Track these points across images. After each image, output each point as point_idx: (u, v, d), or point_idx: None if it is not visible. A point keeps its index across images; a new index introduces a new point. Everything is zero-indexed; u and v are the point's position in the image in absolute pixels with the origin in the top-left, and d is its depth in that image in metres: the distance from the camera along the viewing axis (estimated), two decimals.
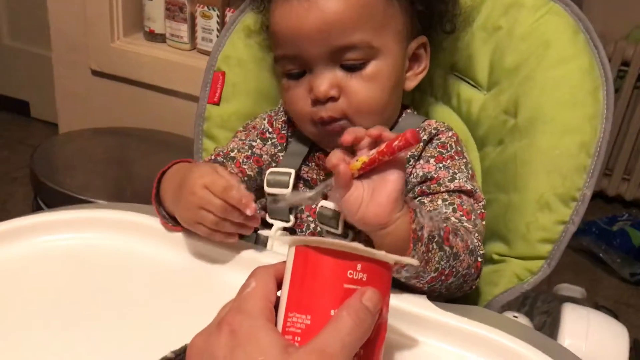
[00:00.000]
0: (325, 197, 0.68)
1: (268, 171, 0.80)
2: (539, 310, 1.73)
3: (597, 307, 1.77)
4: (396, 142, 0.57)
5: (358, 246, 0.46)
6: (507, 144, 0.82)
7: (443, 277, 0.67)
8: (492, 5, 0.83)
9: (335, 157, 0.62)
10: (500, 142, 0.83)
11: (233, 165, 0.82)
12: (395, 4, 0.75)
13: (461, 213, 0.73)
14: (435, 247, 0.64)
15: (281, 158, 0.84)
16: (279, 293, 0.49)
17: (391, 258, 0.48)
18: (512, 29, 0.82)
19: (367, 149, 0.62)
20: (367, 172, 0.61)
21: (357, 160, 0.60)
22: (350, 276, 0.46)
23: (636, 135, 2.21)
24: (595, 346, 0.74)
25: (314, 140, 0.81)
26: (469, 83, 0.87)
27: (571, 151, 0.76)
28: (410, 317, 0.63)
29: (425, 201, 0.75)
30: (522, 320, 0.74)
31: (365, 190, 0.61)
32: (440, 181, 0.75)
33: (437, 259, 0.65)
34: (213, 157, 0.83)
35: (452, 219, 0.72)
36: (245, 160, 0.82)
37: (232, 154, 0.83)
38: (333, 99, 0.74)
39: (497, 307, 0.78)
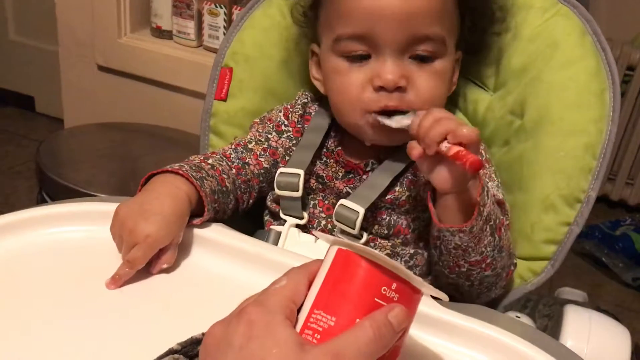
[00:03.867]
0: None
1: (277, 172, 0.80)
2: (541, 314, 1.73)
3: (599, 311, 1.76)
4: (459, 162, 0.61)
5: (399, 266, 0.46)
6: (513, 144, 0.82)
7: (483, 265, 0.69)
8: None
9: (416, 128, 0.67)
10: (506, 142, 0.83)
11: (251, 157, 0.82)
12: (457, 13, 0.76)
13: None
14: (488, 230, 0.67)
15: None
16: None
17: (427, 287, 0.48)
18: (520, 30, 0.82)
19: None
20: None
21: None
22: (384, 292, 0.46)
23: None
24: (597, 348, 0.74)
25: (355, 133, 0.79)
26: (475, 84, 0.87)
27: (577, 153, 0.77)
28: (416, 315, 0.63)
29: None
30: (525, 320, 0.74)
31: (437, 158, 0.65)
32: None
33: (485, 242, 0.68)
34: (233, 147, 0.83)
35: None
36: (262, 152, 0.83)
37: (249, 146, 0.83)
38: (400, 88, 0.72)
39: (499, 306, 0.78)
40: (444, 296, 0.50)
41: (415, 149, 0.66)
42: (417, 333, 0.62)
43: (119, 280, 0.65)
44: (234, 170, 0.80)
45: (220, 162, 0.80)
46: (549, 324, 1.47)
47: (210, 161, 0.79)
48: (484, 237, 0.67)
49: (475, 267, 0.70)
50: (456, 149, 0.61)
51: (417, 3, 0.70)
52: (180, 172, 0.72)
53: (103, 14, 1.69)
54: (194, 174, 0.72)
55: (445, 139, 0.63)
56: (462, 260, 0.69)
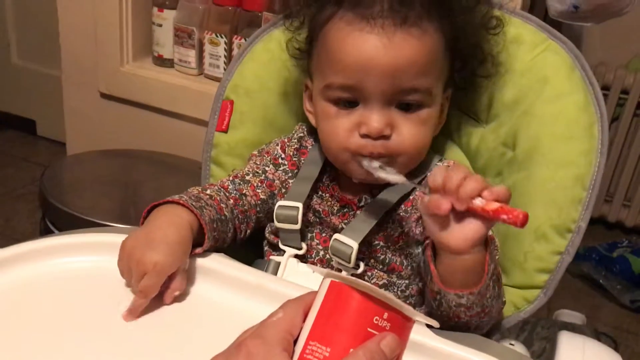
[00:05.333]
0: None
1: (277, 205, 0.81)
2: (539, 336, 1.74)
3: (597, 333, 1.77)
4: (504, 216, 0.59)
5: (390, 296, 0.48)
6: (505, 175, 0.84)
7: (482, 315, 0.70)
8: (493, 42, 0.85)
9: (441, 180, 0.62)
10: (499, 173, 0.86)
11: (248, 188, 0.84)
12: (447, 57, 0.77)
13: None
14: (491, 284, 0.67)
15: (291, 185, 0.85)
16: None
17: (418, 315, 0.50)
18: (512, 64, 0.84)
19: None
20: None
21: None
22: (376, 322, 0.48)
23: (636, 162, 2.22)
24: None
25: (343, 170, 0.81)
26: (469, 116, 0.89)
27: (567, 184, 0.79)
28: (410, 344, 0.64)
29: None
30: (519, 348, 0.75)
31: (455, 216, 0.63)
32: None
33: (488, 295, 0.68)
34: (231, 179, 0.85)
35: None
36: (259, 184, 0.85)
37: (247, 178, 0.85)
38: (384, 137, 0.74)
39: (494, 334, 0.80)
40: (435, 323, 0.52)
41: (444, 204, 0.62)
42: None
43: (135, 312, 0.68)
44: (231, 201, 0.82)
45: (218, 193, 0.81)
46: (547, 347, 1.48)
47: (208, 192, 0.81)
48: (487, 292, 0.68)
49: (475, 317, 0.70)
50: (496, 204, 0.60)
51: (404, 58, 0.72)
52: (181, 202, 0.74)
53: (106, 42, 1.71)
54: (193, 203, 0.75)
55: (479, 195, 0.61)
56: (464, 314, 0.70)
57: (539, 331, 1.75)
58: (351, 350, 0.47)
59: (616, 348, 1.65)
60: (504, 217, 0.59)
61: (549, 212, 0.79)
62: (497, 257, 0.77)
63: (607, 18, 1.47)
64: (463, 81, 0.82)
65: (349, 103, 0.76)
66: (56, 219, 1.36)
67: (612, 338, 1.79)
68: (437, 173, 0.64)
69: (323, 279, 0.51)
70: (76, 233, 0.78)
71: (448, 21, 0.75)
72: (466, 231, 0.63)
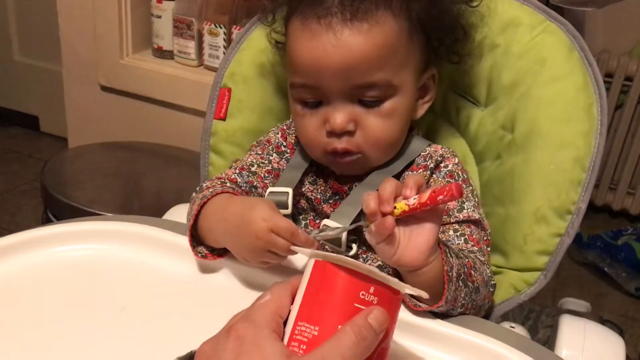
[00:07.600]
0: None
1: (267, 192, 0.80)
2: (544, 324, 1.74)
3: (602, 321, 1.77)
4: (441, 197, 0.57)
5: (374, 270, 0.48)
6: (504, 158, 0.84)
7: (467, 312, 0.69)
8: (490, 24, 0.84)
9: (374, 202, 0.60)
10: (498, 156, 0.85)
11: (257, 179, 0.83)
12: (415, 41, 0.76)
13: (472, 243, 0.75)
14: (461, 284, 0.66)
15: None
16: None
17: (403, 287, 0.50)
18: (509, 46, 0.83)
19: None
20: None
21: (395, 208, 0.60)
22: (362, 297, 0.48)
23: None
24: (592, 357, 0.75)
25: (322, 164, 0.82)
26: (467, 99, 0.89)
27: (566, 166, 0.78)
28: (407, 325, 0.65)
29: None
30: (519, 330, 0.75)
31: (401, 233, 0.61)
32: (450, 212, 0.76)
33: (462, 295, 0.67)
34: (237, 171, 0.84)
35: (465, 250, 0.73)
36: (266, 175, 0.84)
37: (253, 169, 0.84)
38: (349, 132, 0.74)
39: (494, 317, 0.79)
40: (423, 294, 0.52)
41: (387, 221, 0.59)
42: (410, 343, 0.64)
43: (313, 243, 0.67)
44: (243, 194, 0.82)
45: (232, 187, 0.81)
46: (551, 335, 1.47)
47: (228, 184, 0.81)
48: (459, 293, 0.66)
49: (458, 314, 0.69)
50: (427, 193, 0.58)
51: (353, 56, 0.71)
52: (224, 191, 0.75)
53: (105, 35, 1.72)
54: (226, 188, 0.76)
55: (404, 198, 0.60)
56: (444, 315, 0.68)
57: (544, 319, 1.75)
58: (339, 327, 0.47)
59: (622, 335, 1.65)
60: (441, 197, 0.57)
61: (549, 194, 0.79)
62: (485, 239, 0.77)
63: (608, 2, 1.46)
64: (452, 57, 0.81)
65: (314, 104, 0.76)
66: (58, 212, 1.37)
67: (617, 326, 1.79)
68: (367, 200, 0.61)
69: (308, 259, 0.51)
70: (73, 222, 0.78)
71: (416, 1, 0.74)
72: (417, 243, 0.61)
